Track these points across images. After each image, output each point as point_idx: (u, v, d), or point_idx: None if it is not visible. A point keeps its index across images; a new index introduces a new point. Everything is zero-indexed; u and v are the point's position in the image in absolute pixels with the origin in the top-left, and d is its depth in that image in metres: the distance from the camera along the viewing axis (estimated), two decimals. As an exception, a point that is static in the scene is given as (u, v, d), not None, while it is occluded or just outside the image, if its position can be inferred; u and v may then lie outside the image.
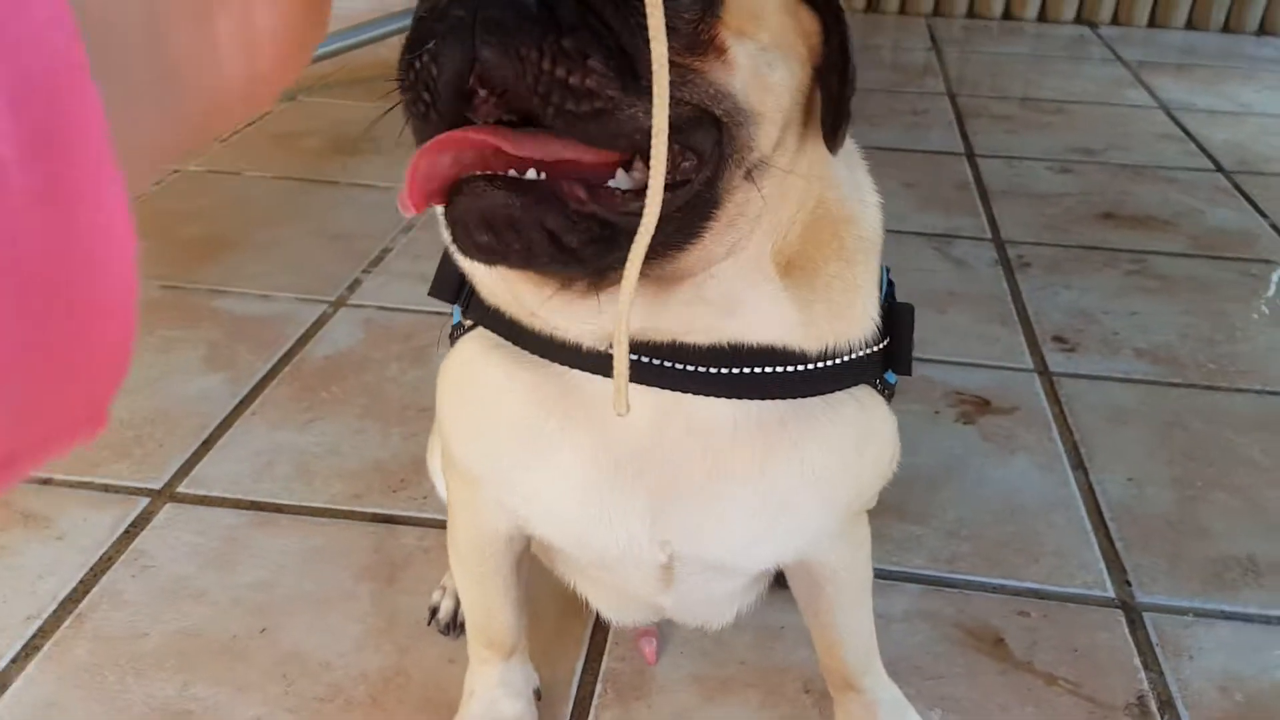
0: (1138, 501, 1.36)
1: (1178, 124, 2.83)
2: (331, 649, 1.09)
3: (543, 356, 0.70)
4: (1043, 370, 1.66)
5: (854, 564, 0.91)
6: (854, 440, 0.76)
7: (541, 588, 1.03)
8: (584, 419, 0.72)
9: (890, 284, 0.78)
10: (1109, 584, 1.22)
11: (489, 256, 0.57)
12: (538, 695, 1.00)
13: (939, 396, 1.58)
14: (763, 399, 0.70)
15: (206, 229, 2.01)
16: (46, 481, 1.30)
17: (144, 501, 1.29)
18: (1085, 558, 1.26)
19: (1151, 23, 3.83)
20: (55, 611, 1.12)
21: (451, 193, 0.54)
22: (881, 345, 0.74)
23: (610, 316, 0.60)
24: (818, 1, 0.63)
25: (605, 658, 1.09)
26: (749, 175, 0.60)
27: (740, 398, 0.70)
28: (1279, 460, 1.45)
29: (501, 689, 0.96)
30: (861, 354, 0.72)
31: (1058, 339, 1.75)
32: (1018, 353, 1.71)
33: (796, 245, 0.68)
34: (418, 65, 0.52)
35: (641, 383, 0.68)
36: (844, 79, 0.63)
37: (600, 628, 1.12)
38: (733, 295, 0.66)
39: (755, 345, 0.68)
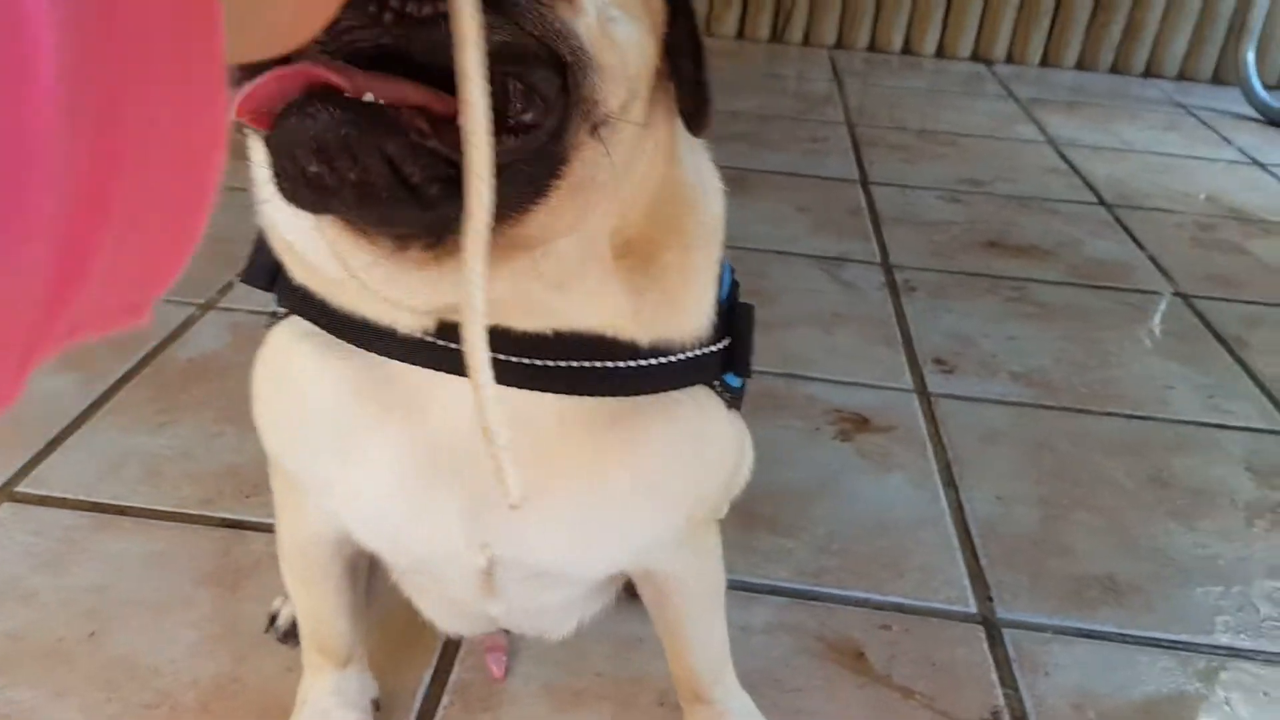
0: (1004, 520, 1.37)
1: (1064, 158, 2.90)
2: (163, 654, 1.03)
3: (354, 343, 0.66)
4: (922, 390, 1.67)
5: (702, 573, 0.88)
6: (690, 442, 0.74)
7: (393, 593, 0.99)
8: (400, 411, 0.68)
9: (734, 284, 0.76)
10: (971, 600, 1.22)
11: (319, 195, 0.50)
12: (376, 705, 0.96)
13: (819, 414, 1.58)
14: (589, 395, 0.67)
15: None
16: None
17: (-23, 501, 1.22)
18: (950, 573, 1.26)
19: (1044, 62, 3.94)
20: None
21: (278, 117, 0.48)
22: (720, 345, 0.71)
23: (449, 287, 0.55)
24: None
25: (456, 667, 1.05)
26: (595, 132, 0.56)
27: (564, 393, 0.66)
28: (1142, 483, 1.47)
29: (334, 698, 0.92)
30: (697, 353, 0.70)
31: (938, 361, 1.77)
32: (899, 373, 1.72)
33: (638, 225, 0.65)
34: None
35: (452, 373, 0.64)
36: (697, 61, 0.62)
37: (454, 639, 1.09)
38: (565, 271, 0.62)
39: (582, 333, 0.65)
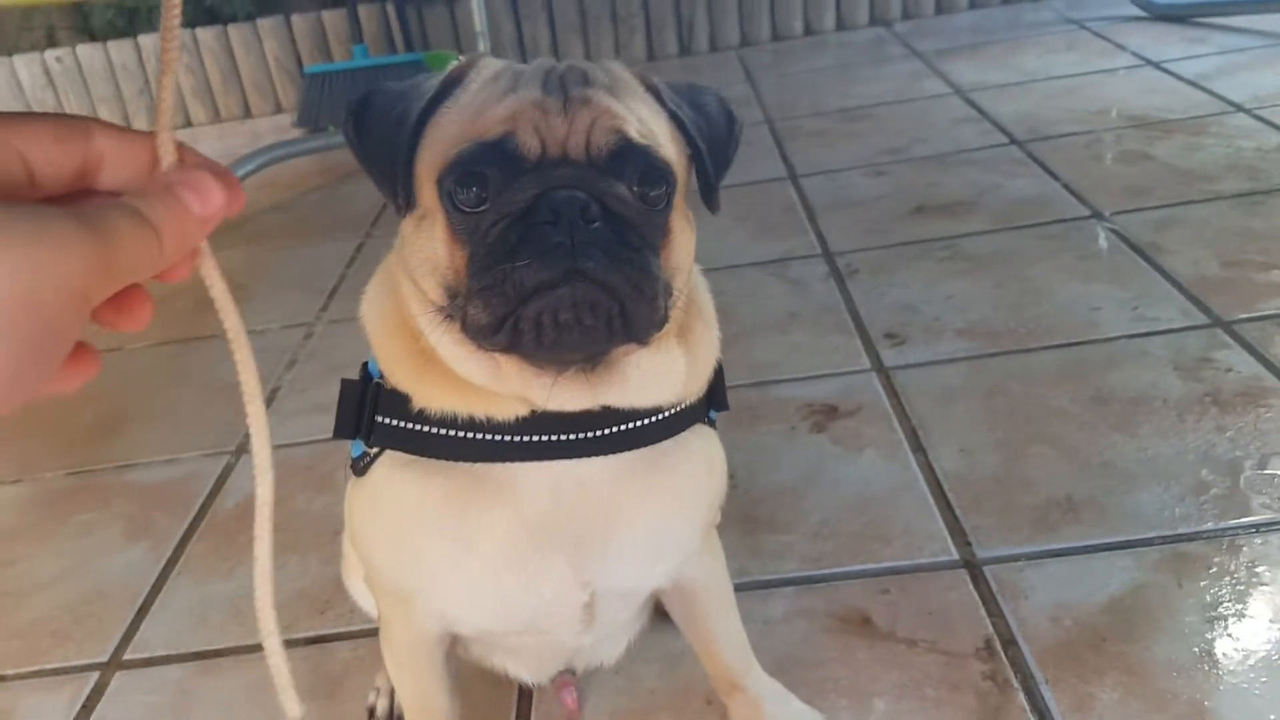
0: (970, 469, 1.55)
1: (972, 105, 3.09)
2: (291, 768, 1.21)
3: (449, 457, 0.85)
4: (879, 367, 1.85)
5: (716, 572, 1.09)
6: (704, 466, 0.96)
7: (470, 665, 1.17)
8: (497, 502, 0.87)
9: None
10: (953, 548, 1.40)
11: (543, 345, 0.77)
12: (477, 762, 1.15)
13: (793, 412, 1.76)
14: (632, 449, 0.87)
15: (102, 409, 2.12)
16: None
17: (95, 676, 1.40)
18: (931, 529, 1.44)
19: (939, 10, 4.13)
20: (34, 796, 1.23)
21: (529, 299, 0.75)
22: (707, 388, 0.94)
23: (595, 392, 0.84)
24: (689, 137, 0.84)
25: (534, 713, 1.24)
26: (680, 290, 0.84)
27: (618, 452, 0.87)
28: (1085, 405, 1.66)
29: (444, 762, 1.10)
30: (696, 400, 0.92)
31: (888, 335, 1.95)
32: (856, 356, 1.90)
33: (680, 315, 0.88)
34: (511, 274, 0.73)
35: (546, 459, 0.85)
36: (713, 184, 0.86)
37: (525, 690, 1.27)
38: (656, 367, 0.86)
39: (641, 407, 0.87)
